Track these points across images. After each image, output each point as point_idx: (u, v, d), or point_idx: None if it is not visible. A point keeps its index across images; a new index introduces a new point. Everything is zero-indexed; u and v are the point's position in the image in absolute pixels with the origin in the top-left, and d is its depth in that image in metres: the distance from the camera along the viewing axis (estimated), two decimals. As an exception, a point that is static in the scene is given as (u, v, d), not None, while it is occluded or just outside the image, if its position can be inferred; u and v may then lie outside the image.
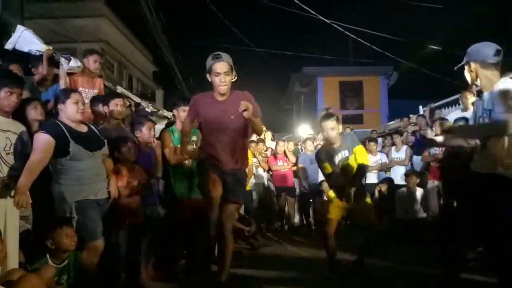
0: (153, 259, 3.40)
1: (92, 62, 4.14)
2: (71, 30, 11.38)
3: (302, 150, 7.27)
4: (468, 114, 4.86)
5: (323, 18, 8.27)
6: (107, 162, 2.89)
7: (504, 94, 2.31)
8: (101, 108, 3.47)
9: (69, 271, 2.57)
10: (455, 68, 2.77)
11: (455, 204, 4.92)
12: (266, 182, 6.70)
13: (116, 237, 2.96)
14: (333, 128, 3.43)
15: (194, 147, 3.17)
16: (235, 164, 2.89)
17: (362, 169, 3.48)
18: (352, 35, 8.96)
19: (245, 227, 4.77)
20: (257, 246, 4.92)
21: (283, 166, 6.70)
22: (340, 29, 8.62)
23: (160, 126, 4.82)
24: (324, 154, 3.55)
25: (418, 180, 5.65)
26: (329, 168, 3.49)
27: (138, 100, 6.93)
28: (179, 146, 3.59)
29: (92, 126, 2.86)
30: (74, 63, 4.09)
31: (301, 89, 19.97)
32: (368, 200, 3.70)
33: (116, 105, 3.38)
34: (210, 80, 2.85)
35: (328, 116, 3.55)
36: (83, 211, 2.59)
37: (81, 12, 14.05)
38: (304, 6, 7.86)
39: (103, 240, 2.66)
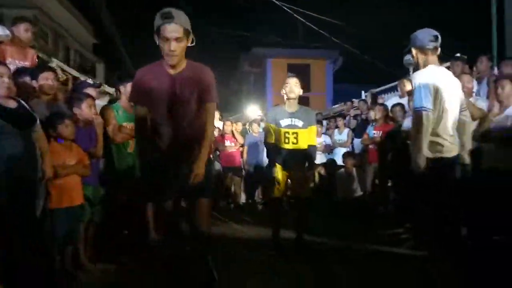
0: (92, 240, 3.30)
1: (23, 31, 3.77)
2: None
3: (249, 132, 7.33)
4: (405, 100, 5.20)
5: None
6: (41, 140, 2.69)
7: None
8: (28, 82, 3.18)
9: None
10: (403, 51, 2.89)
11: (389, 183, 5.32)
12: (213, 161, 6.68)
13: (51, 218, 2.80)
14: (296, 84, 3.51)
15: None
16: (195, 149, 2.33)
17: (313, 151, 3.62)
18: (301, 18, 9.07)
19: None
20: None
21: (230, 146, 6.73)
22: (290, 11, 8.67)
23: (101, 102, 4.56)
24: (273, 115, 3.57)
25: (355, 161, 5.98)
26: (271, 133, 3.51)
27: (76, 74, 6.49)
28: (124, 124, 3.45)
29: (23, 102, 2.63)
30: (1, 31, 3.70)
31: (250, 69, 19.91)
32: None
33: (46, 79, 3.11)
34: (157, 44, 2.28)
35: (293, 76, 3.63)
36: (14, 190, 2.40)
37: (9, -27, 12.63)
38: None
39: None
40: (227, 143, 6.72)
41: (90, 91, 3.81)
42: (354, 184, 5.84)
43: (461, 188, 2.87)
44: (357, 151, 6.36)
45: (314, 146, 3.67)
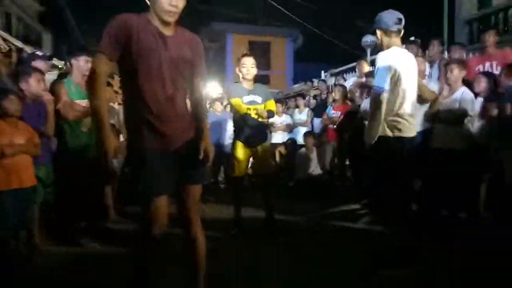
0: (45, 222, 3.15)
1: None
2: None
3: (210, 110, 7.21)
4: (363, 81, 5.34)
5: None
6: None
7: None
8: None
9: None
10: (370, 32, 2.93)
11: (347, 161, 5.52)
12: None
13: (0, 201, 2.62)
14: (253, 65, 3.52)
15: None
16: (189, 128, 1.91)
17: (271, 113, 3.67)
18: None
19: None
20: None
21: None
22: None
23: (50, 76, 4.24)
24: (235, 91, 3.59)
25: (315, 141, 6.12)
26: (240, 104, 3.50)
27: (20, 44, 5.95)
28: (76, 101, 3.25)
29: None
30: None
31: (209, 44, 19.43)
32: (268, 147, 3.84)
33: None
34: None
35: (248, 54, 3.59)
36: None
37: None
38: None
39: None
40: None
41: (40, 64, 3.54)
42: (313, 163, 6.00)
43: (414, 166, 3.04)
44: (317, 130, 6.50)
45: (273, 111, 3.72)
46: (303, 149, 6.17)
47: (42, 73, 3.24)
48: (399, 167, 2.57)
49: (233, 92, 3.61)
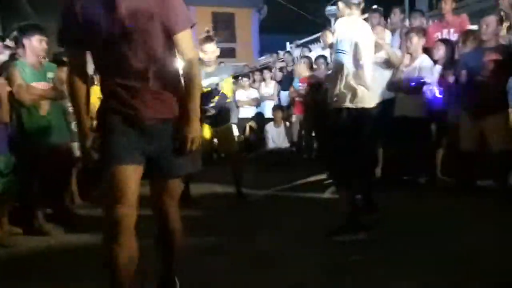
0: (8, 212, 3.05)
1: None
2: None
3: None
4: (327, 52, 5.38)
5: None
6: None
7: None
8: None
9: None
10: (330, 4, 2.96)
11: (313, 133, 5.63)
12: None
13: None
14: (213, 51, 3.59)
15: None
16: (162, 108, 1.56)
17: (216, 92, 3.67)
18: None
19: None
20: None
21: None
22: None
23: (2, 57, 3.97)
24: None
25: (283, 114, 6.18)
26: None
27: (-37, 23, 5.50)
28: (32, 84, 3.08)
29: None
30: None
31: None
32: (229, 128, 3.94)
33: None
34: None
35: (210, 39, 3.61)
36: None
37: None
38: None
39: None
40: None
41: None
42: (281, 136, 6.08)
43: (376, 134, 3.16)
44: (284, 103, 6.54)
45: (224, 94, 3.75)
46: (271, 123, 6.22)
47: (-9, 55, 3.04)
48: (360, 138, 2.66)
49: None
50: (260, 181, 4.63)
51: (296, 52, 8.66)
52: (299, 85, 5.68)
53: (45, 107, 3.15)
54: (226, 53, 16.17)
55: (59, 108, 3.36)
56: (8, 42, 5.19)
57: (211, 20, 16.99)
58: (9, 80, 3.02)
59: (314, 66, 5.57)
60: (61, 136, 3.27)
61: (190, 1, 17.25)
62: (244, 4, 16.73)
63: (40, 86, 3.11)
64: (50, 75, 3.23)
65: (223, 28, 17.29)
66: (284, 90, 6.62)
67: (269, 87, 7.00)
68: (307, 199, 3.88)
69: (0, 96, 2.91)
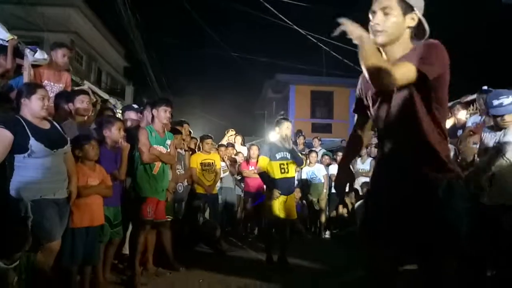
0: (111, 262, 3.34)
1: (61, 56, 3.98)
2: (38, 18, 10.90)
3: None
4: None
5: (298, 29, 8.42)
6: (70, 161, 2.79)
7: None
8: (64, 105, 3.35)
9: (21, 272, 2.45)
10: None
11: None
12: (233, 186, 6.63)
13: (72, 238, 2.84)
14: (288, 127, 4.22)
15: None
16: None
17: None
18: (324, 47, 9.19)
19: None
20: (222, 250, 4.92)
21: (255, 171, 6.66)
22: (314, 40, 8.82)
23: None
24: (268, 150, 4.22)
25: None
26: (262, 163, 4.16)
27: (106, 96, 6.73)
28: (154, 146, 3.54)
29: (55, 123, 2.74)
30: (40, 55, 3.90)
31: (273, 95, 20.16)
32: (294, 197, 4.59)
33: (81, 102, 3.28)
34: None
35: (286, 118, 4.34)
36: (39, 210, 2.47)
37: (50, -1, 13.52)
38: (279, 15, 7.98)
39: (60, 241, 2.57)
40: (252, 168, 6.35)
41: (132, 114, 4.02)
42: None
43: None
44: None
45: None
46: (361, 201, 5.91)
47: (123, 122, 3.63)
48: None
49: (265, 153, 4.23)
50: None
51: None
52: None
53: (157, 168, 3.56)
54: (323, 129, 16.51)
55: (166, 170, 3.74)
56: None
57: (309, 97, 17.88)
58: (138, 139, 3.51)
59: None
60: (163, 195, 3.67)
61: (290, 81, 18.46)
62: (342, 83, 17.28)
63: (159, 149, 3.60)
64: (168, 142, 3.70)
65: (321, 105, 17.98)
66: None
67: (365, 164, 6.80)
68: None
69: (122, 156, 3.38)
